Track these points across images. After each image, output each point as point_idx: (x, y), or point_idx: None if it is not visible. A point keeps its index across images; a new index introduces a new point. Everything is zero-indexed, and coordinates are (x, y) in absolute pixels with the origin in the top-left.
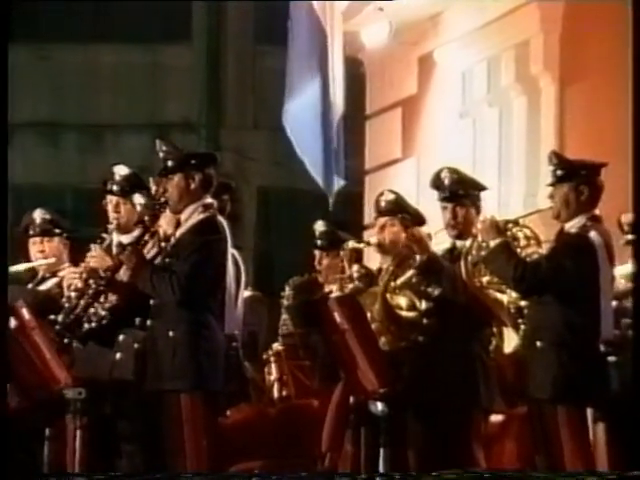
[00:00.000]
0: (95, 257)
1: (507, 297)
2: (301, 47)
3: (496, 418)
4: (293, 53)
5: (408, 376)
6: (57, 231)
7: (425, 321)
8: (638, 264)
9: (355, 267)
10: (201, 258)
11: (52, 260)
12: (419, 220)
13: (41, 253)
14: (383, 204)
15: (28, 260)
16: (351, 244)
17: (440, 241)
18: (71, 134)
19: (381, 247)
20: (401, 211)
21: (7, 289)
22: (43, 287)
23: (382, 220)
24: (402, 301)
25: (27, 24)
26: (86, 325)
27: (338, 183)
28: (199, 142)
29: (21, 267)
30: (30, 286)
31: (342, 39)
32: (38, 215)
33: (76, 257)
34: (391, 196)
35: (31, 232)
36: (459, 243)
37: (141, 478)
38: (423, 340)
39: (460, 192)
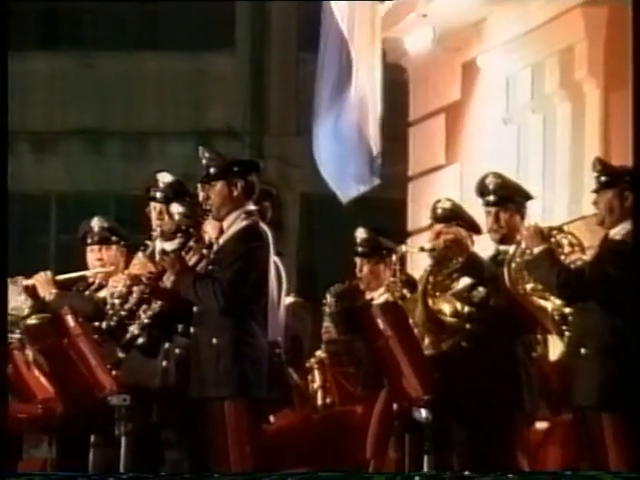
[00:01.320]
0: (138, 264)
1: (551, 304)
2: (329, 55)
3: (540, 425)
4: (321, 60)
5: (451, 382)
6: (114, 239)
7: (468, 326)
8: (638, 264)
9: (395, 274)
10: (244, 265)
11: (110, 268)
12: (475, 228)
13: (99, 261)
14: (439, 211)
15: (86, 268)
16: (404, 249)
17: (482, 247)
18: (115, 142)
19: (435, 253)
20: (457, 218)
21: (7, 289)
22: (100, 294)
23: (438, 227)
24: (444, 306)
25: (72, 33)
26: (130, 333)
27: (358, 188)
28: (242, 149)
29: (77, 274)
30: (87, 293)
31: (380, 46)
32: (96, 223)
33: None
34: (448, 203)
35: (89, 240)
36: (502, 248)
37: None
38: (466, 345)
39: (504, 197)
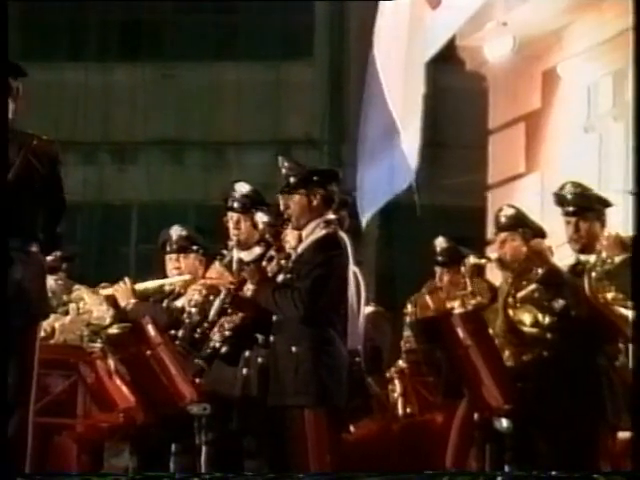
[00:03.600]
0: (215, 273)
1: (632, 313)
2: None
3: (623, 434)
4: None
5: (532, 392)
6: (193, 248)
7: (548, 336)
8: (637, 264)
9: (473, 283)
10: (323, 274)
11: (187, 277)
12: (540, 234)
13: (177, 269)
14: (503, 219)
15: (165, 276)
16: (472, 260)
17: (563, 256)
18: (195, 151)
19: (502, 262)
20: (521, 225)
21: (7, 289)
22: (177, 303)
23: (502, 235)
24: (524, 316)
25: (153, 44)
26: (211, 343)
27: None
28: (321, 158)
29: (156, 283)
30: (165, 302)
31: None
32: (175, 232)
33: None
34: (511, 211)
35: (168, 249)
36: (583, 258)
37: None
38: (547, 355)
39: (583, 207)
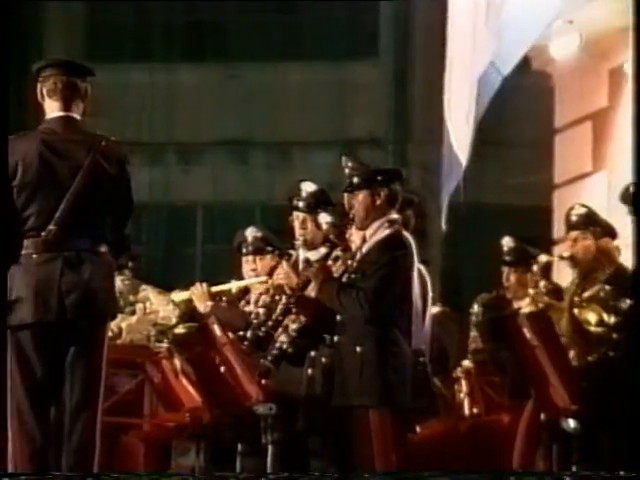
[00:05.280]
0: (282, 273)
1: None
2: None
3: None
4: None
5: (599, 392)
6: (269, 249)
7: (614, 335)
8: (637, 265)
9: (542, 282)
10: (388, 274)
11: (264, 278)
12: (611, 233)
13: (253, 271)
14: (574, 218)
15: (241, 278)
16: (544, 258)
17: (629, 256)
18: (260, 152)
19: (574, 261)
20: (593, 224)
21: (6, 287)
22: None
23: (574, 234)
24: (590, 316)
25: (217, 45)
26: (277, 344)
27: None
28: (386, 158)
29: (232, 285)
30: (242, 304)
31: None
32: (250, 233)
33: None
34: (582, 210)
35: (244, 250)
36: None
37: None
38: (613, 355)
39: None
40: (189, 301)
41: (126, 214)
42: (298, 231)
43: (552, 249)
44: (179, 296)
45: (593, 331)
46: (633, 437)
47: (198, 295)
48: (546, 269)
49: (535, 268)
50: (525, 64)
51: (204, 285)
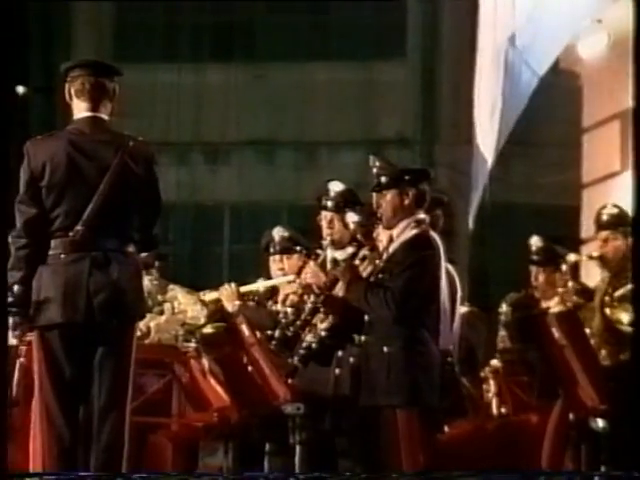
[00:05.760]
0: (310, 273)
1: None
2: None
3: None
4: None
5: (629, 392)
6: (296, 248)
7: None
8: (637, 266)
9: (571, 282)
10: (415, 273)
11: (291, 277)
12: None
13: (280, 270)
14: (605, 217)
15: (269, 277)
16: (574, 257)
17: None
18: (287, 151)
19: (604, 260)
20: (624, 224)
21: (6, 289)
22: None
23: (604, 234)
24: (622, 315)
25: (245, 45)
26: (305, 344)
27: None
28: (413, 157)
29: (260, 284)
30: (270, 303)
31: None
32: (277, 233)
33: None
34: (614, 209)
35: (271, 250)
36: None
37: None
38: None
39: None
40: (217, 301)
41: (154, 214)
42: (325, 231)
43: (580, 248)
44: (208, 296)
45: (624, 330)
46: None
47: (227, 295)
48: (574, 269)
49: (564, 268)
50: (553, 64)
51: (233, 285)
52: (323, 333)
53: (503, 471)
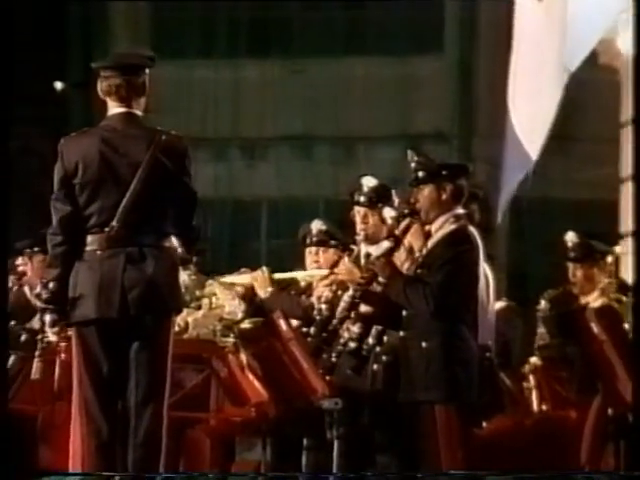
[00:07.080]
0: (344, 269)
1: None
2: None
3: None
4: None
5: None
6: (333, 242)
7: None
8: (637, 266)
9: (610, 278)
10: (454, 269)
11: (326, 271)
12: None
13: (316, 263)
14: None
15: (304, 269)
16: (619, 251)
17: None
18: (324, 147)
19: None
20: None
21: (7, 288)
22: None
23: None
24: None
25: (281, 40)
26: (342, 340)
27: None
28: (451, 152)
29: (294, 274)
30: (302, 297)
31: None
32: (315, 226)
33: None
34: None
35: (307, 242)
36: None
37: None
38: None
39: None
40: (250, 288)
41: (190, 207)
42: (359, 226)
43: (619, 243)
44: (239, 279)
45: None
46: None
47: (260, 281)
48: (614, 264)
49: (602, 263)
50: (592, 58)
51: (265, 271)
52: (357, 330)
53: (544, 471)
